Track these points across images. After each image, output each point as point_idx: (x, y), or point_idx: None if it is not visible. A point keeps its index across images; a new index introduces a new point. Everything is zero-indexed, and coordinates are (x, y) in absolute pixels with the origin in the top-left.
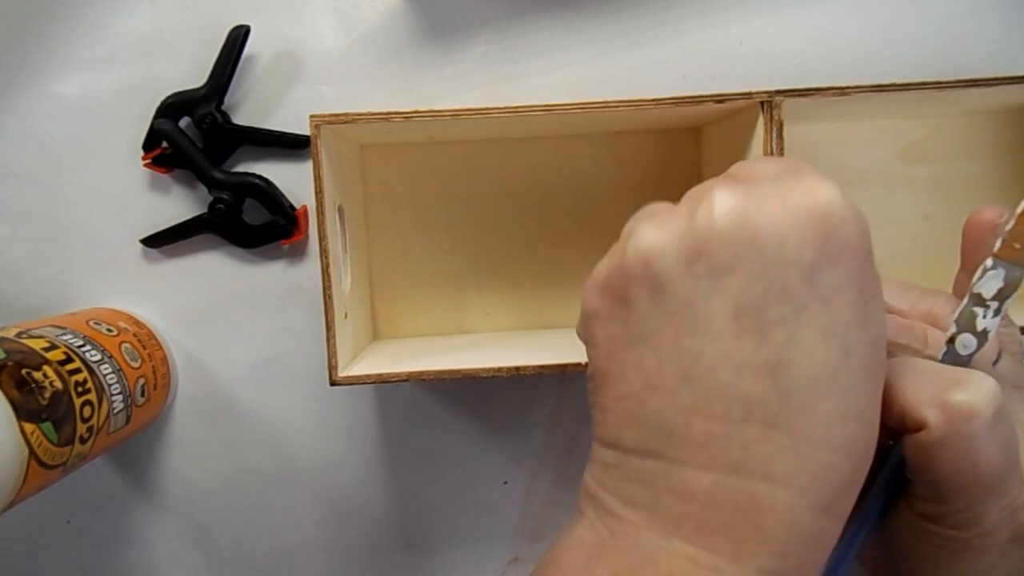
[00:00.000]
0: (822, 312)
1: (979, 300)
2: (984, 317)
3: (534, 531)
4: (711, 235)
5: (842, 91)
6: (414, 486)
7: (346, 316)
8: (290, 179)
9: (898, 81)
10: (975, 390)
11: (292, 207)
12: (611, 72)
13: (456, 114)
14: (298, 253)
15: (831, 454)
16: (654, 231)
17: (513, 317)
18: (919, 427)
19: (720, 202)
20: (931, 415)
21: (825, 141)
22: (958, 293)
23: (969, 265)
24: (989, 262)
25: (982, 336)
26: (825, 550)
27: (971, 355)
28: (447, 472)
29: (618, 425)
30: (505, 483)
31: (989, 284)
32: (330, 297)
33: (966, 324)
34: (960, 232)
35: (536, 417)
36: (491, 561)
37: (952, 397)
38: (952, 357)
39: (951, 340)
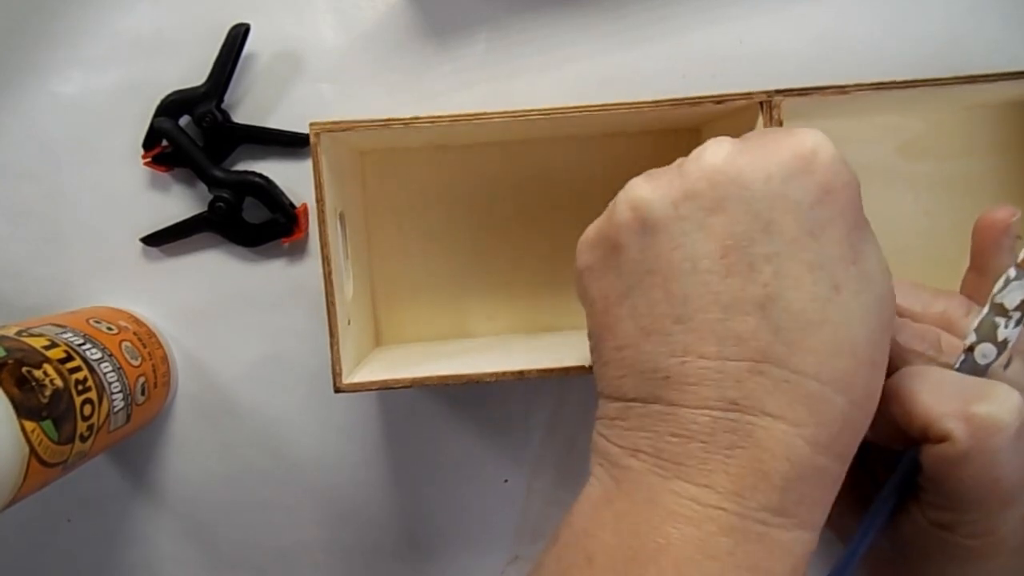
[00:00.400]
0: (809, 247)
1: (1001, 310)
2: (1005, 327)
3: (534, 531)
4: (698, 177)
5: (841, 90)
6: (414, 485)
7: (349, 323)
8: (290, 177)
9: (898, 79)
10: (1001, 403)
11: (292, 205)
12: (611, 69)
13: (455, 119)
14: (298, 251)
15: (824, 387)
16: (644, 181)
17: (515, 320)
18: (942, 439)
19: (708, 150)
20: (956, 428)
21: None
22: (966, 292)
23: (979, 264)
24: (1012, 272)
25: (1002, 346)
26: (828, 490)
27: (989, 364)
28: (447, 471)
29: (619, 376)
30: (505, 482)
31: (1012, 295)
32: (333, 305)
33: (986, 334)
34: (961, 228)
35: (537, 417)
36: (491, 561)
37: (978, 410)
38: (970, 366)
39: (970, 349)
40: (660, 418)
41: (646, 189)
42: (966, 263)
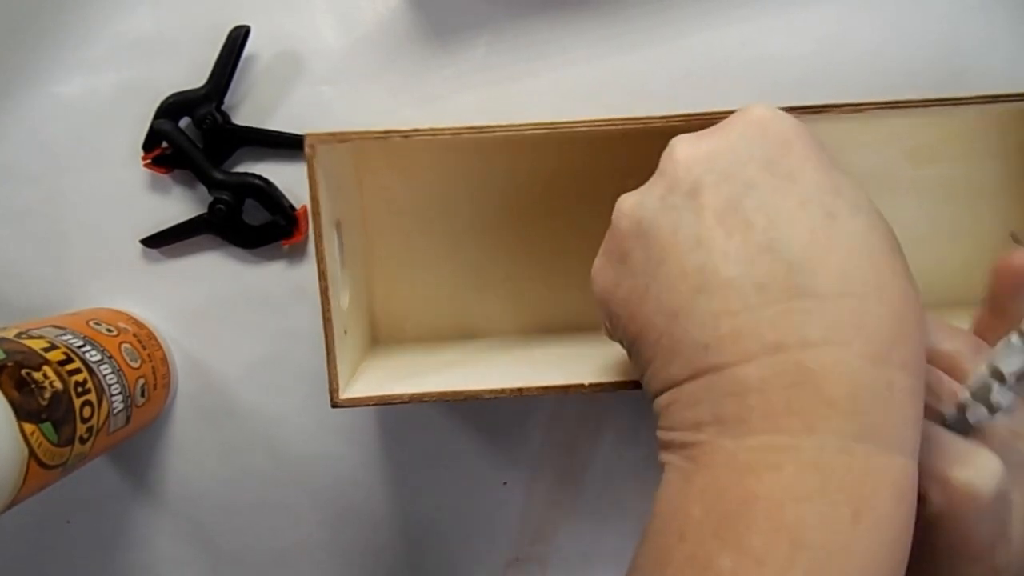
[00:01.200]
0: (791, 189)
1: (997, 374)
2: (999, 392)
3: (534, 531)
4: (673, 170)
5: (856, 107)
6: (414, 486)
7: (345, 332)
8: (290, 179)
9: (913, 98)
10: (979, 471)
11: (292, 207)
12: (611, 72)
13: (457, 132)
14: (298, 253)
15: (861, 301)
16: (630, 193)
17: (515, 321)
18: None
19: (676, 147)
20: (932, 490)
21: (832, 143)
22: (979, 332)
23: (994, 307)
24: (1014, 338)
25: (994, 408)
26: (906, 405)
27: (978, 423)
28: (447, 472)
29: (663, 365)
30: (505, 483)
31: (1010, 361)
32: (329, 321)
33: (980, 395)
34: (967, 234)
35: (536, 419)
36: (491, 561)
37: (956, 475)
38: (959, 423)
39: (962, 407)
40: (712, 386)
41: (633, 196)
42: (972, 271)
